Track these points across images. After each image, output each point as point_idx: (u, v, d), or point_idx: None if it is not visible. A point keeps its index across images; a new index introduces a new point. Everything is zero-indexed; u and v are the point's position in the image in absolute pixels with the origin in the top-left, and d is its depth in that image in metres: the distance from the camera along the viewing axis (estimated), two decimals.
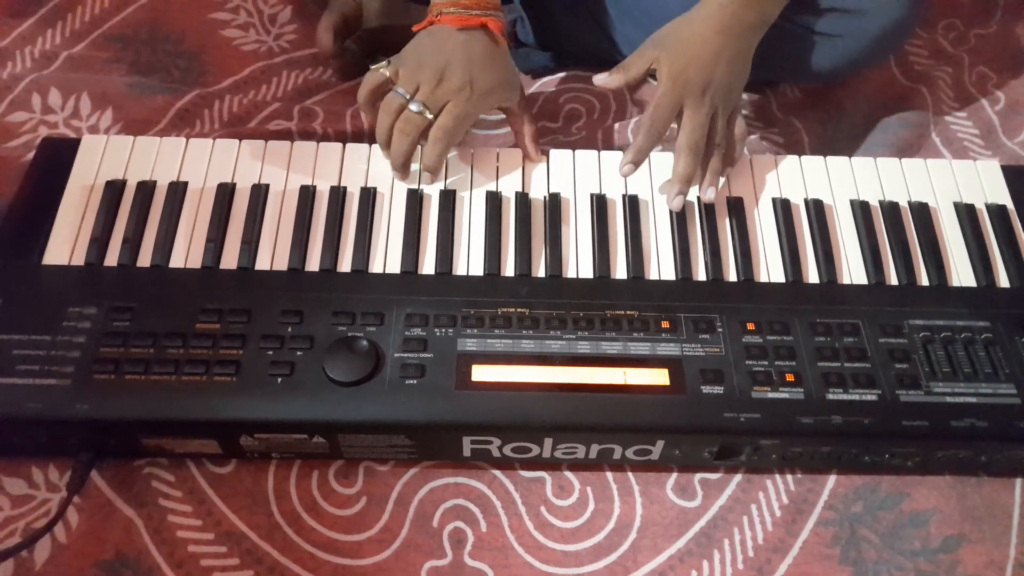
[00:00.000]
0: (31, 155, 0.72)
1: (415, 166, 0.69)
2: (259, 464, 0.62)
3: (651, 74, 0.67)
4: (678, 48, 0.65)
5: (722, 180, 0.69)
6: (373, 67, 0.67)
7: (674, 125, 0.66)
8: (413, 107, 0.64)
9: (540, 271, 0.65)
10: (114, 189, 0.67)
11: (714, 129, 0.66)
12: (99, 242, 0.64)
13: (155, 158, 0.70)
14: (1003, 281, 0.66)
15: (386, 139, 0.67)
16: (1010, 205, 0.70)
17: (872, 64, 0.83)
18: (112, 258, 0.64)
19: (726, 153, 0.67)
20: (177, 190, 0.67)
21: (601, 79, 0.68)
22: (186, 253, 0.65)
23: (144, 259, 0.64)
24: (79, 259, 0.64)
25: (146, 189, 0.67)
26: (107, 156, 0.70)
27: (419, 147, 0.68)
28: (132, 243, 0.64)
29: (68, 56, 0.86)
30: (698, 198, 0.68)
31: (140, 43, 0.89)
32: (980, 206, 0.70)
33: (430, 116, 0.65)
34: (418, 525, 0.60)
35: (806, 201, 0.69)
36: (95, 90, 0.82)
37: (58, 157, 0.70)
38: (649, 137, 0.65)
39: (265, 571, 0.58)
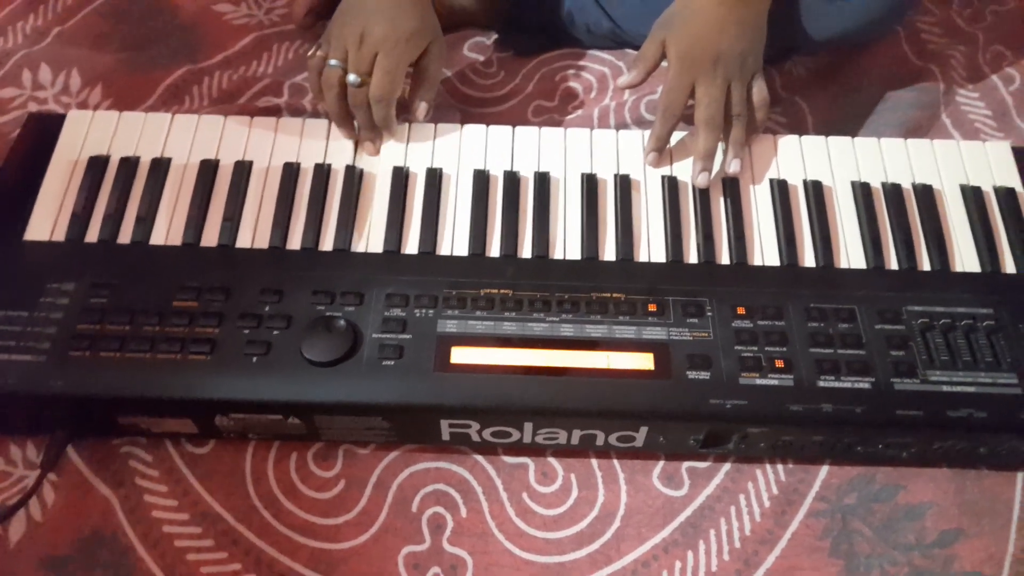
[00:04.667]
0: None
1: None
2: (237, 445, 0.61)
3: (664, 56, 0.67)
4: (683, 27, 0.65)
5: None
6: (308, 55, 0.67)
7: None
8: (351, 79, 0.64)
9: (526, 252, 0.63)
10: (97, 165, 0.66)
11: (731, 100, 0.65)
12: (80, 218, 0.64)
13: (140, 134, 0.69)
14: (1009, 267, 0.63)
15: (338, 114, 0.67)
16: (1019, 188, 0.67)
17: (879, 31, 0.80)
18: (93, 234, 0.63)
19: (748, 122, 0.66)
20: (160, 166, 0.66)
21: (624, 80, 0.68)
22: (167, 230, 0.64)
23: (125, 235, 0.63)
24: (60, 235, 0.63)
25: (129, 165, 0.66)
26: (92, 132, 0.69)
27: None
28: (114, 219, 0.64)
29: (59, 32, 0.86)
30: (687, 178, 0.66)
31: (133, 19, 0.88)
32: (988, 189, 0.67)
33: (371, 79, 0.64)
34: (397, 510, 0.59)
35: (805, 182, 0.67)
36: (85, 66, 0.82)
37: (44, 133, 0.69)
38: (665, 121, 0.66)
39: (241, 553, 0.57)
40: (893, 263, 0.63)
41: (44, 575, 0.55)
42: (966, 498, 0.59)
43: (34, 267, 0.61)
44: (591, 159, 0.68)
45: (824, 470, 0.61)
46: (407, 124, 0.69)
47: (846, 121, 0.80)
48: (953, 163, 0.68)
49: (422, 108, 0.68)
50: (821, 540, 0.58)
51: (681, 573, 0.57)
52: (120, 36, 0.86)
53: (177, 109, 0.80)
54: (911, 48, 0.87)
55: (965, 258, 0.63)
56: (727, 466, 0.61)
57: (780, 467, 0.61)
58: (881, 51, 0.84)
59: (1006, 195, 0.66)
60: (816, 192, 0.66)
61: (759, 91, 0.67)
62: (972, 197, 0.66)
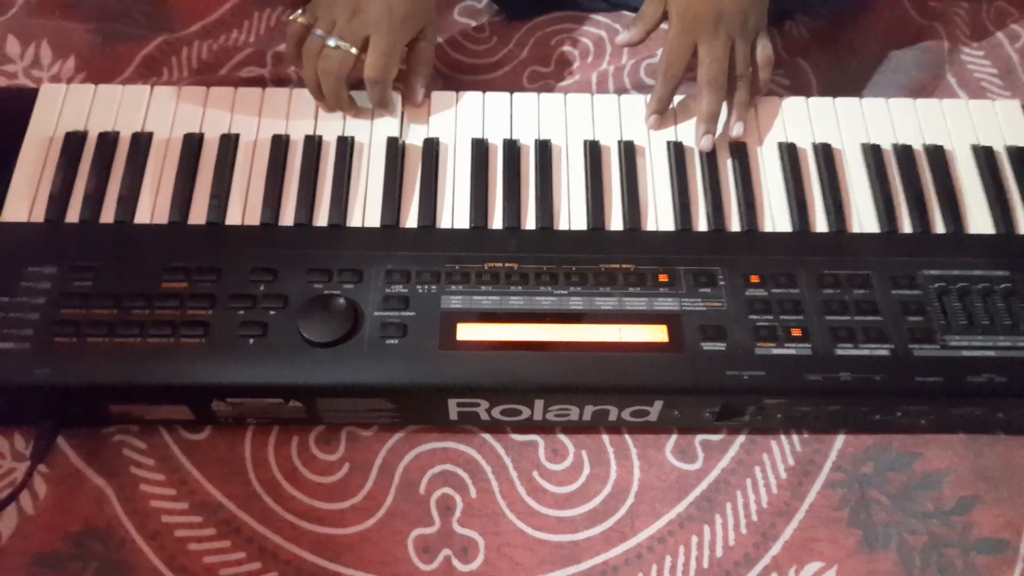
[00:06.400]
0: None
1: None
2: (235, 430, 0.59)
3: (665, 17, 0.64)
4: None
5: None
6: (291, 17, 0.64)
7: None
8: (330, 42, 0.61)
9: (530, 223, 0.61)
10: (74, 141, 0.63)
11: (734, 60, 0.63)
12: (59, 197, 0.60)
13: (118, 108, 0.65)
14: (1023, 227, 0.62)
15: (315, 87, 0.63)
16: None
17: None
18: (73, 214, 0.60)
19: (752, 82, 0.64)
20: (141, 141, 0.63)
21: (622, 38, 0.66)
22: (152, 208, 0.60)
23: (107, 215, 0.60)
24: (38, 216, 0.60)
25: (108, 141, 0.63)
26: (67, 106, 0.65)
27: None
28: (94, 198, 0.60)
29: (25, 2, 0.81)
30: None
31: None
32: (999, 148, 0.65)
33: (353, 51, 0.61)
34: (404, 492, 0.57)
35: (814, 145, 0.65)
36: (55, 38, 0.77)
37: (15, 108, 0.65)
38: (667, 82, 0.63)
39: (243, 542, 0.55)
40: (906, 226, 0.61)
41: (39, 570, 0.53)
42: (983, 464, 0.58)
43: (12, 250, 0.58)
44: (593, 126, 0.66)
45: (840, 439, 0.59)
46: (399, 95, 0.66)
47: (850, 82, 0.78)
48: (963, 123, 0.67)
49: (420, 93, 0.65)
50: (839, 511, 0.57)
51: (698, 548, 0.56)
52: (90, 4, 0.81)
53: (155, 81, 0.76)
54: (913, 5, 0.85)
55: (979, 219, 0.62)
56: (741, 438, 0.60)
57: (795, 437, 0.60)
58: (883, 9, 0.82)
59: (1018, 154, 0.65)
60: (826, 155, 0.64)
61: (763, 50, 0.65)
62: (984, 157, 0.64)
